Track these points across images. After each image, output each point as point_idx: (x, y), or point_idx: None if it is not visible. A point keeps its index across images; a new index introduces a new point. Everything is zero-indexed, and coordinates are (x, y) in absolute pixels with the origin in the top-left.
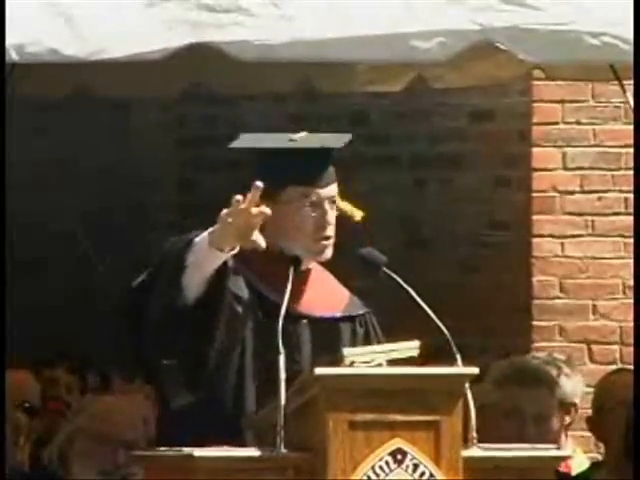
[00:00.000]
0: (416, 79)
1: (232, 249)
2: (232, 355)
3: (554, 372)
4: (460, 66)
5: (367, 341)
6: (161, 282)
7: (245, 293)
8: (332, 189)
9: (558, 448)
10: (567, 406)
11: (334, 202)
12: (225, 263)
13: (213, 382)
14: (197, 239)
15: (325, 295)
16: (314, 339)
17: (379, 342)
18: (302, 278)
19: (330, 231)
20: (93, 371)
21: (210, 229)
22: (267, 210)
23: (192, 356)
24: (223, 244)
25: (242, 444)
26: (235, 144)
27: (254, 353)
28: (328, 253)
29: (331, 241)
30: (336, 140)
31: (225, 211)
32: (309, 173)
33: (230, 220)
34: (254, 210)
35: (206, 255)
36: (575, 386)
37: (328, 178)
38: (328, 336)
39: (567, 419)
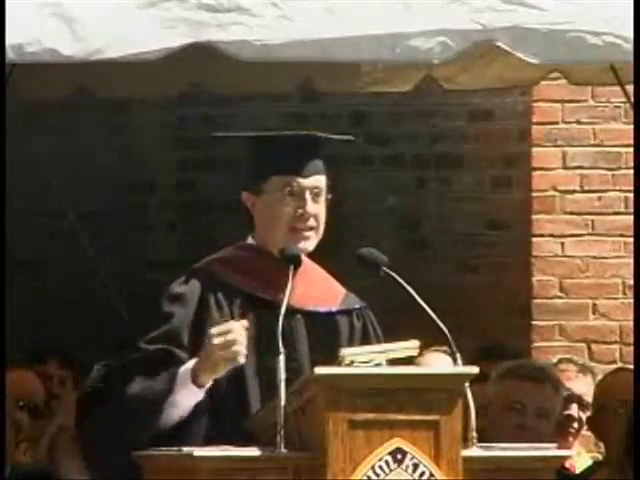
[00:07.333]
0: (424, 80)
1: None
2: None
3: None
4: (471, 68)
5: (365, 334)
6: (139, 422)
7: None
8: (316, 180)
9: (558, 447)
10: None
11: (318, 194)
12: None
13: (214, 391)
14: (175, 390)
15: (318, 289)
16: (311, 333)
17: (377, 336)
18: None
19: (311, 222)
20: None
21: (190, 366)
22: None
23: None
24: (207, 379)
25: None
26: (221, 134)
27: (253, 355)
28: (308, 245)
29: (312, 233)
30: (323, 134)
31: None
32: (290, 162)
33: (215, 355)
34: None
35: (186, 394)
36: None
37: (312, 169)
38: (326, 330)
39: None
